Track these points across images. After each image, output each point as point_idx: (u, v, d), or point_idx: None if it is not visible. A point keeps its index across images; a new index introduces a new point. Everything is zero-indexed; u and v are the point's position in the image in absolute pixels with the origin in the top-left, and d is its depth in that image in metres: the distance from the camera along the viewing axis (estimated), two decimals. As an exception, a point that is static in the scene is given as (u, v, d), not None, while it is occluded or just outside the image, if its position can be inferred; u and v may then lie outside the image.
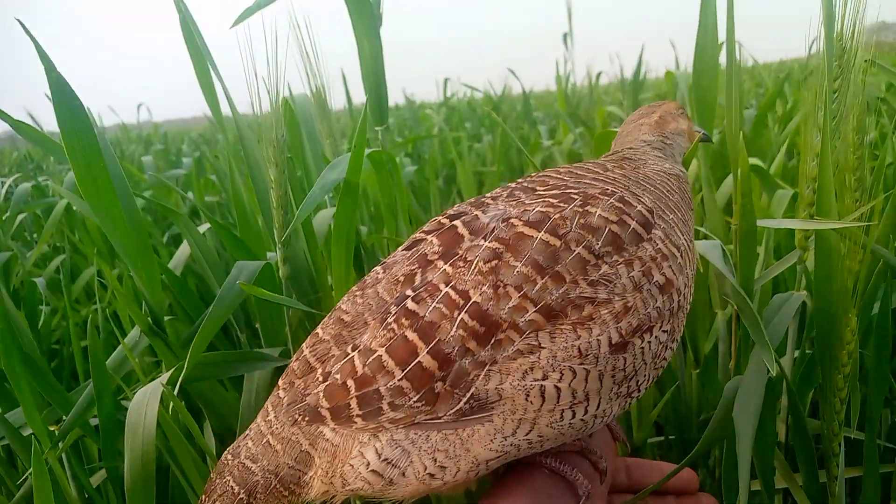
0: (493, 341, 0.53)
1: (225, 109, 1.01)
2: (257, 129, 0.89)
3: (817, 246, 0.89)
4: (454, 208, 0.65)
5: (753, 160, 1.60)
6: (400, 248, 0.64)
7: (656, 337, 0.58)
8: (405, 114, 3.81)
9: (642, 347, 0.57)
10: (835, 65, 0.90)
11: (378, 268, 0.62)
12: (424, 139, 2.78)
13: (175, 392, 0.80)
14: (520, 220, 0.58)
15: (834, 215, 0.86)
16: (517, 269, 0.54)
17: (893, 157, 0.98)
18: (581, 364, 0.54)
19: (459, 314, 0.54)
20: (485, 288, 0.54)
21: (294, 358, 0.61)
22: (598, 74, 2.92)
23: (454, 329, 0.53)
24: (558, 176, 0.67)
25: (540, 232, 0.56)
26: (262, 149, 0.88)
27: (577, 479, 0.62)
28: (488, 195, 0.66)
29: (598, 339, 0.54)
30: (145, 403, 0.81)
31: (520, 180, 0.68)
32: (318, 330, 0.61)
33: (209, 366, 0.90)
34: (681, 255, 0.61)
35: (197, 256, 1.21)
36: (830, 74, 0.92)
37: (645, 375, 0.60)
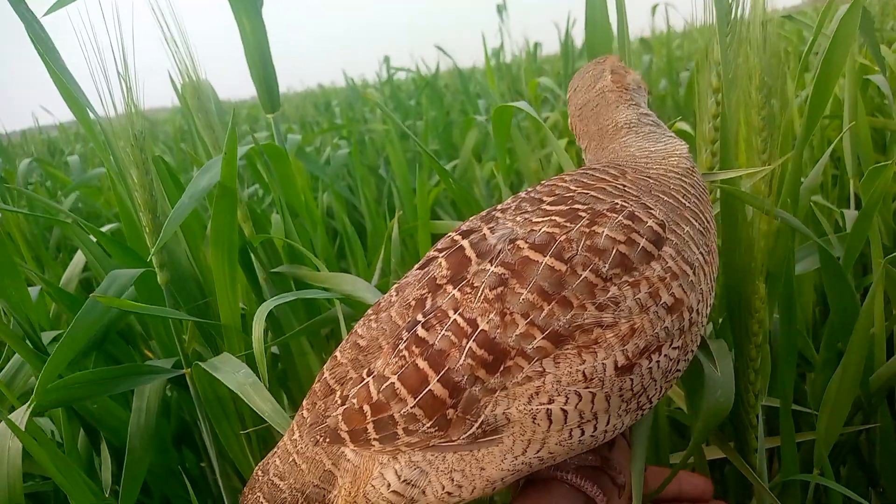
0: (501, 369, 0.54)
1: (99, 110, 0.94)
2: (111, 128, 0.82)
3: (723, 212, 0.86)
4: (467, 223, 0.65)
5: (682, 124, 1.56)
6: (415, 267, 0.64)
7: (666, 356, 0.58)
8: (348, 95, 3.72)
9: (650, 367, 0.57)
10: (725, 19, 0.85)
11: (392, 290, 0.63)
12: (328, 131, 2.70)
13: (54, 413, 0.74)
14: (525, 242, 0.57)
15: (735, 179, 0.83)
16: (523, 297, 0.54)
17: (805, 115, 0.94)
18: (586, 388, 0.55)
19: (468, 343, 0.54)
20: (492, 315, 0.54)
21: (316, 380, 0.62)
22: (536, 45, 2.87)
23: (463, 358, 0.54)
24: (565, 185, 0.65)
25: (545, 256, 0.56)
26: (121, 149, 0.82)
27: (597, 494, 0.63)
28: (499, 207, 0.65)
29: (602, 364, 0.54)
30: (8, 436, 0.75)
31: (529, 189, 0.67)
32: (337, 353, 0.62)
33: (88, 385, 0.84)
34: (693, 273, 0.60)
35: (92, 265, 1.14)
36: (723, 31, 0.88)
37: (656, 390, 0.59)
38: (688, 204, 0.65)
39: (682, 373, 0.63)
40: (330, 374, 0.61)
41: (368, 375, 0.58)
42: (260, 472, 0.64)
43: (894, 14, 2.99)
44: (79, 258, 1.19)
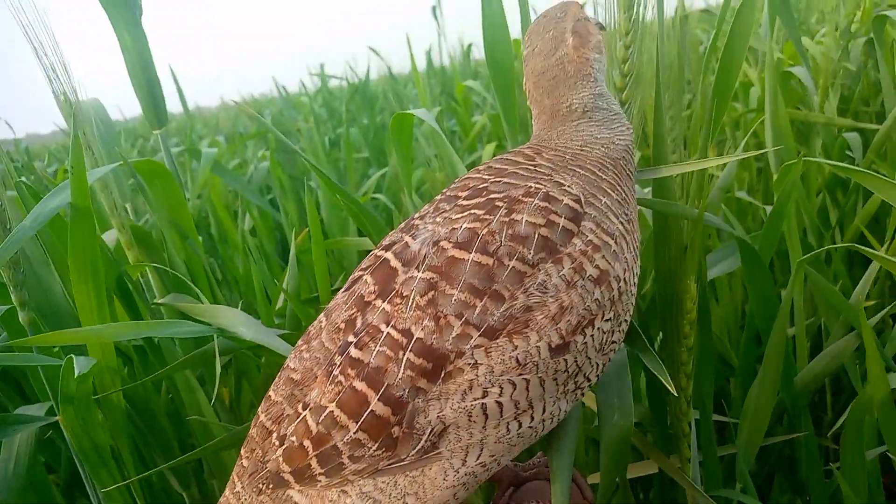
0: (443, 374, 0.53)
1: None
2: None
3: (654, 215, 0.82)
4: (388, 237, 0.63)
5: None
6: (341, 290, 0.62)
7: (599, 329, 0.57)
8: (279, 105, 3.62)
9: (585, 343, 0.56)
10: (624, 17, 0.81)
11: (321, 316, 0.61)
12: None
13: None
14: (449, 241, 0.56)
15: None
16: (454, 297, 0.53)
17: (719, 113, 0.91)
18: (520, 374, 0.54)
19: (404, 354, 0.53)
20: (426, 322, 0.53)
21: (252, 424, 0.59)
22: (469, 47, 2.83)
23: (402, 371, 0.53)
24: (478, 176, 0.64)
25: (471, 253, 0.55)
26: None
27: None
28: (417, 215, 0.63)
29: (536, 347, 0.53)
30: None
31: (445, 189, 0.66)
32: (271, 392, 0.60)
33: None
34: (615, 242, 0.59)
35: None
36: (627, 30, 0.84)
37: (593, 367, 0.59)
38: (605, 176, 0.64)
39: (618, 345, 0.62)
40: (265, 416, 0.58)
41: (304, 409, 0.55)
42: None
43: (818, 7, 3.02)
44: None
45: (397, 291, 0.55)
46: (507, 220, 0.56)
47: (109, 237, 1.03)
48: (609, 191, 0.63)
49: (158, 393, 0.97)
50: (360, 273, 0.61)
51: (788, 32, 1.68)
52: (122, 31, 0.98)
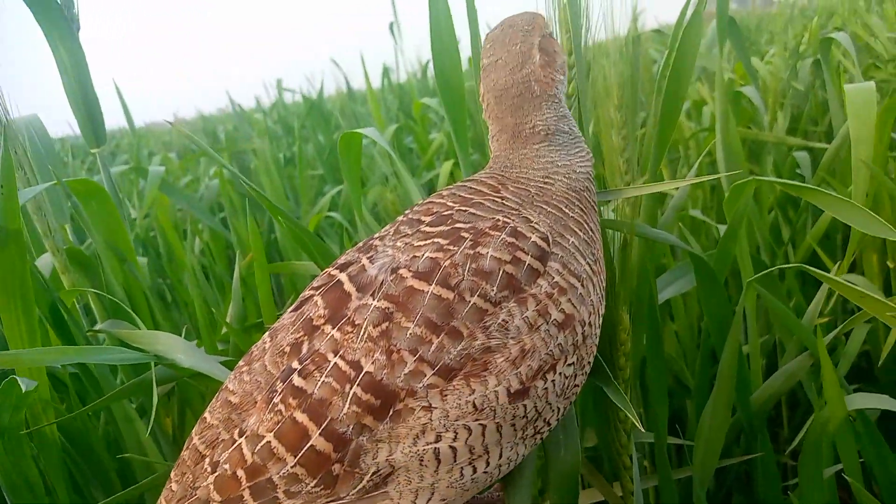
0: (391, 413, 0.50)
1: None
2: None
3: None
4: (345, 255, 0.60)
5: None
6: (289, 310, 0.58)
7: (561, 374, 0.55)
8: (235, 122, 3.56)
9: (545, 388, 0.54)
10: (566, 38, 0.80)
11: (265, 336, 0.57)
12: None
13: None
14: (409, 270, 0.53)
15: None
16: (410, 331, 0.51)
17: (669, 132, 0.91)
18: (476, 420, 0.51)
19: (352, 388, 0.50)
20: (377, 355, 0.50)
21: (185, 446, 0.56)
22: (426, 63, 2.82)
23: (347, 405, 0.50)
24: (442, 201, 0.61)
25: (431, 285, 0.52)
26: None
27: None
28: (377, 235, 0.61)
29: (494, 391, 0.51)
30: None
31: (407, 211, 0.63)
32: (206, 414, 0.56)
33: None
34: (581, 285, 0.57)
35: None
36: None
37: (553, 411, 0.56)
38: (571, 214, 0.62)
39: (580, 388, 0.60)
40: (199, 439, 0.55)
41: (241, 436, 0.52)
42: None
43: (769, 27, 3.11)
44: None
45: (349, 318, 0.53)
46: (471, 252, 0.54)
47: (46, 261, 0.98)
48: (576, 230, 0.61)
49: (96, 424, 0.92)
50: (311, 293, 0.58)
51: (738, 53, 1.71)
52: (58, 46, 0.94)
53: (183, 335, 1.03)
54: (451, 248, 0.55)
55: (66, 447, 0.86)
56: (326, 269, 0.60)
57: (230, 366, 0.74)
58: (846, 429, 0.77)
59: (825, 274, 0.70)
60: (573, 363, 0.56)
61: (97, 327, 0.81)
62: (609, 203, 0.84)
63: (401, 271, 0.54)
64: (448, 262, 0.53)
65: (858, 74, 1.58)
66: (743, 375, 0.87)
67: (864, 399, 0.81)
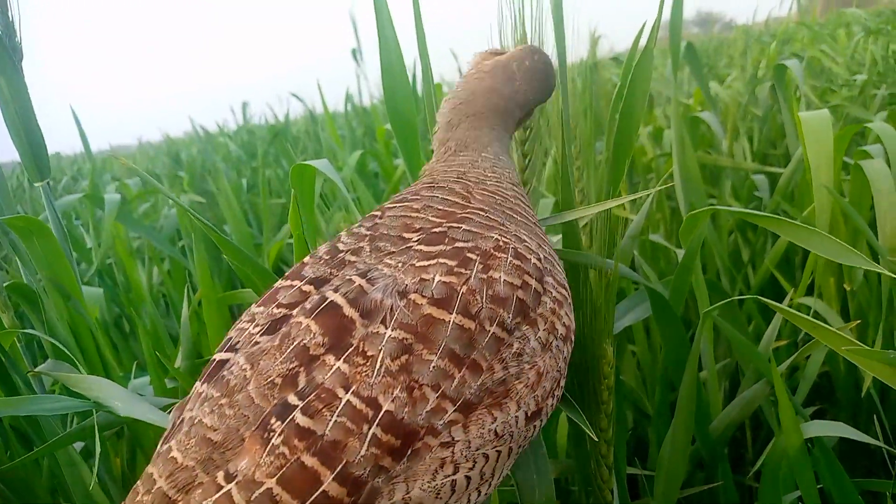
0: (409, 453, 0.47)
1: None
2: None
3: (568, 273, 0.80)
4: (309, 268, 0.55)
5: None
6: (254, 328, 0.52)
7: (563, 387, 0.56)
8: (200, 147, 3.53)
9: (552, 405, 0.55)
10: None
11: (240, 359, 0.50)
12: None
13: None
14: (422, 296, 0.50)
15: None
16: (433, 364, 0.48)
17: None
18: (495, 447, 0.50)
19: (370, 428, 0.46)
20: (397, 391, 0.47)
21: (142, 489, 0.48)
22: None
23: (365, 448, 0.46)
24: (418, 214, 0.59)
25: (452, 314, 0.49)
26: None
27: None
28: (341, 247, 0.56)
29: (515, 417, 0.50)
30: None
31: (366, 221, 0.60)
32: (175, 452, 0.48)
33: None
34: (568, 292, 0.58)
35: None
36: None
37: (547, 416, 0.56)
38: (530, 218, 0.63)
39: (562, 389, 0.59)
40: (167, 481, 0.47)
41: (230, 481, 0.46)
42: None
43: (727, 52, 3.17)
44: None
45: (357, 349, 0.48)
46: (485, 276, 0.52)
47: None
48: (542, 235, 0.62)
49: (40, 470, 0.88)
50: (285, 311, 0.52)
51: (696, 79, 1.74)
52: (-1, 76, 0.91)
53: (133, 372, 1.00)
54: (463, 270, 0.52)
55: (7, 496, 0.82)
56: (289, 283, 0.55)
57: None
58: (803, 457, 0.77)
59: (778, 305, 0.70)
60: (561, 369, 0.57)
61: (38, 369, 0.78)
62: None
63: (412, 297, 0.50)
64: (465, 288, 0.51)
65: (813, 99, 1.61)
66: (701, 405, 0.87)
67: (820, 427, 0.81)
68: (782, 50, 2.39)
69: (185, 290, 0.90)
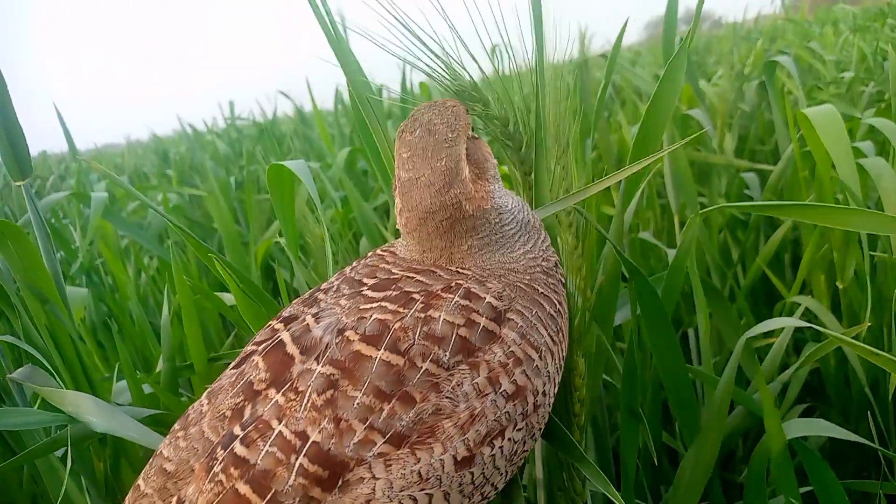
0: (340, 484, 0.48)
1: None
2: None
3: None
4: (290, 307, 0.58)
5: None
6: (230, 366, 0.56)
7: (510, 439, 0.53)
8: (188, 144, 3.50)
9: (493, 455, 0.52)
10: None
11: (204, 396, 0.55)
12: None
13: None
14: (356, 332, 0.51)
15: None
16: (357, 401, 0.48)
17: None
18: (422, 490, 0.49)
19: (297, 458, 0.48)
20: (324, 423, 0.48)
21: None
22: (380, 87, 2.79)
23: (293, 477, 0.47)
24: (386, 266, 0.59)
25: (379, 350, 0.50)
26: None
27: None
28: (323, 286, 0.59)
29: (440, 459, 0.49)
30: None
31: (355, 263, 0.61)
32: (140, 481, 0.53)
33: None
34: (539, 357, 0.55)
35: None
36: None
37: (501, 475, 0.54)
38: (540, 289, 0.59)
39: (528, 452, 0.57)
40: None
41: None
42: None
43: (717, 49, 3.17)
44: None
45: (292, 385, 0.50)
46: (422, 315, 0.52)
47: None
48: (544, 304, 0.58)
49: (20, 477, 0.86)
50: (253, 348, 0.55)
51: (686, 76, 1.73)
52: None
53: (115, 375, 0.98)
54: (401, 310, 0.52)
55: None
56: (270, 323, 0.58)
57: (160, 420, 0.70)
58: (785, 463, 0.76)
59: (851, 340, 0.65)
60: (522, 429, 0.54)
61: (11, 376, 0.76)
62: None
63: (347, 333, 0.51)
64: (398, 324, 0.51)
65: (802, 96, 1.61)
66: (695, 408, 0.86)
67: (804, 426, 0.80)
68: (769, 47, 2.39)
69: (165, 293, 0.88)
